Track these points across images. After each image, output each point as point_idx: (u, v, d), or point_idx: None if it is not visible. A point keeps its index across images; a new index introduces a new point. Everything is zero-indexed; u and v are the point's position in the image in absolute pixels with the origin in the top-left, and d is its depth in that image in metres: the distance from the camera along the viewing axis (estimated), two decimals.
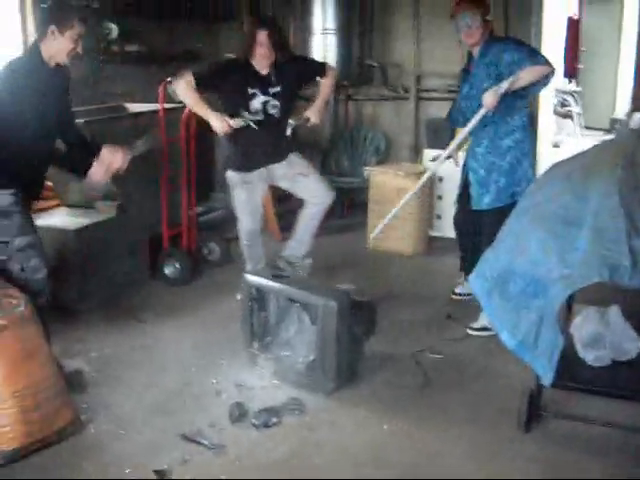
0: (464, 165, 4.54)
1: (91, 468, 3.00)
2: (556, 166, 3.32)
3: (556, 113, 9.53)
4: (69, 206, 5.05)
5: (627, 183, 2.77)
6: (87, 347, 4.15)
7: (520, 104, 4.22)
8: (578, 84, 10.26)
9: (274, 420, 3.33)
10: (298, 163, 4.71)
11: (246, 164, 4.59)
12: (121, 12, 6.14)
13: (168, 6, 6.55)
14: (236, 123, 4.39)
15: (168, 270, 5.19)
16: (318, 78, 4.69)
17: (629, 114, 9.13)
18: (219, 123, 4.37)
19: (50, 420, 3.11)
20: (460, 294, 4.79)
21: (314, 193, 4.68)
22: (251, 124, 4.41)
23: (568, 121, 9.76)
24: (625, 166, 2.84)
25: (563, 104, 9.79)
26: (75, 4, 5.44)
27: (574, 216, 2.72)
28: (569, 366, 3.39)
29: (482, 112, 4.08)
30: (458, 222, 4.66)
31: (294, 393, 3.59)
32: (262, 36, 4.31)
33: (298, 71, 4.60)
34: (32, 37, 5.42)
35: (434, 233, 6.26)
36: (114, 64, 6.26)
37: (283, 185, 4.77)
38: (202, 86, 4.46)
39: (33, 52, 3.56)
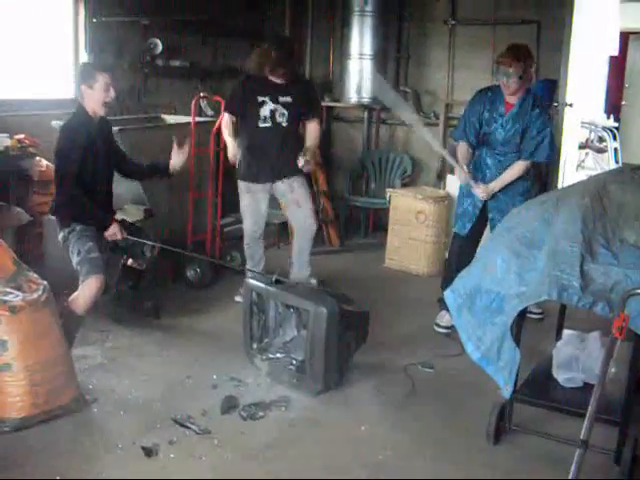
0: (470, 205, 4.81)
1: (88, 441, 3.30)
2: (540, 196, 3.53)
3: (592, 148, 9.64)
4: None
5: (593, 211, 2.97)
6: (104, 337, 4.48)
7: None
8: (619, 120, 10.37)
9: (260, 414, 3.60)
10: (298, 191, 5.03)
11: (253, 175, 4.98)
12: (167, 28, 6.53)
13: (212, 23, 6.93)
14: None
15: (189, 273, 5.50)
16: (307, 119, 5.06)
17: None
18: (230, 153, 4.95)
19: (56, 395, 3.44)
20: None
21: (299, 223, 5.12)
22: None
23: (605, 156, 9.87)
24: (594, 195, 3.04)
25: (601, 139, 9.90)
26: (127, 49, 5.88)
27: (538, 239, 2.94)
28: (542, 384, 3.59)
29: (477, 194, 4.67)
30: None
31: (285, 392, 3.85)
32: (270, 52, 4.76)
33: (304, 95, 5.01)
34: None
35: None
36: (158, 77, 6.66)
37: (281, 201, 5.22)
38: (234, 114, 4.98)
39: (80, 111, 4.22)
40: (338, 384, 3.94)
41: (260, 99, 4.84)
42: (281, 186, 5.01)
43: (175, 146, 4.53)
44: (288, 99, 4.87)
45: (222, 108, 5.16)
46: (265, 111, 4.84)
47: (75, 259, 4.11)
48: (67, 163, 4.10)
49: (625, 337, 2.48)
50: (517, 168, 4.62)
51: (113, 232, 4.25)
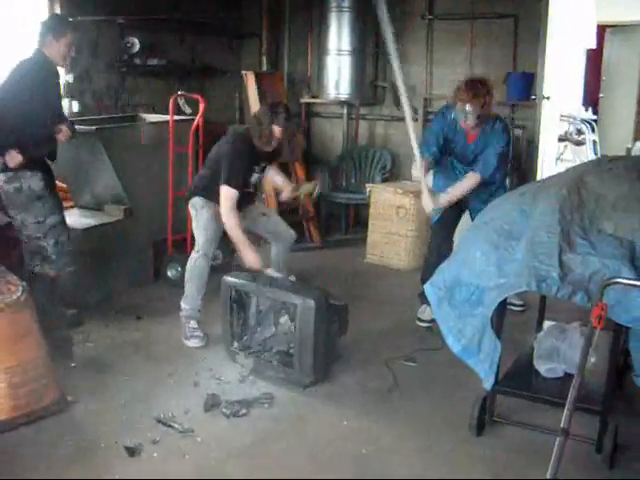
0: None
1: (71, 442, 3.28)
2: (518, 188, 3.56)
3: (570, 140, 9.70)
4: (81, 207, 5.40)
5: (571, 202, 2.99)
6: (86, 337, 4.46)
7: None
8: (597, 113, 10.44)
9: (243, 411, 3.59)
10: (259, 205, 4.87)
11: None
12: (144, 27, 6.50)
13: (189, 22, 6.91)
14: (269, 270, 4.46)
15: (170, 273, 5.48)
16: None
17: (633, 142, 9.32)
18: (254, 260, 4.28)
19: (37, 397, 3.41)
20: None
21: (275, 232, 4.80)
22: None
23: (583, 148, 9.93)
24: (571, 186, 3.07)
25: (579, 131, 9.96)
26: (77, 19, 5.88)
27: (516, 231, 2.95)
28: (523, 376, 3.61)
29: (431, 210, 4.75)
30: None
31: (268, 389, 3.85)
32: (277, 130, 4.36)
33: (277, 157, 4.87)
34: None
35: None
36: (136, 77, 6.62)
37: (244, 224, 4.63)
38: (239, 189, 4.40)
39: (39, 54, 4.21)
40: (325, 376, 3.96)
41: (255, 168, 4.58)
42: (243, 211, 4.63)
43: None
44: (265, 164, 4.68)
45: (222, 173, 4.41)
46: (253, 179, 4.60)
47: (48, 240, 4.27)
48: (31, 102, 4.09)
49: (604, 326, 2.49)
50: (466, 182, 4.63)
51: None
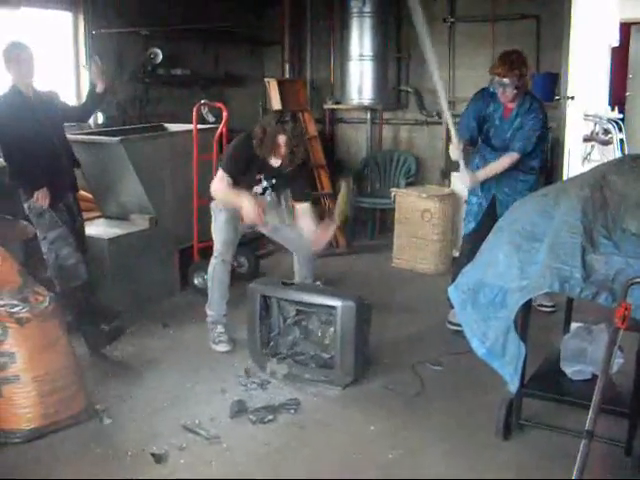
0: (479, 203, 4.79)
1: (98, 449, 3.32)
2: (541, 189, 3.53)
3: (597, 140, 9.58)
4: (107, 217, 5.47)
5: (593, 202, 2.95)
6: (112, 346, 4.50)
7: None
8: (623, 111, 10.30)
9: (270, 417, 3.60)
10: (281, 215, 4.75)
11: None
12: (167, 37, 6.57)
13: (212, 31, 6.97)
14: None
15: (197, 281, 5.51)
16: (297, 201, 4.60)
17: None
18: (251, 210, 4.23)
19: (65, 405, 3.46)
20: None
21: (295, 241, 4.67)
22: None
23: (611, 148, 9.79)
24: (594, 186, 3.03)
25: (606, 131, 9.83)
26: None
27: (539, 232, 2.93)
28: (550, 378, 3.58)
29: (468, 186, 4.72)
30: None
31: (294, 394, 3.86)
32: (281, 140, 4.29)
33: (294, 176, 4.53)
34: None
35: (458, 254, 6.42)
36: (159, 86, 6.69)
37: (264, 230, 4.76)
38: (232, 177, 4.36)
39: (13, 89, 4.36)
40: (364, 374, 4.05)
41: (258, 176, 4.46)
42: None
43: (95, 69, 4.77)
44: (280, 181, 4.53)
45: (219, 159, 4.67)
46: (259, 188, 4.49)
47: (50, 255, 4.45)
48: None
49: (627, 326, 2.46)
50: (503, 160, 4.57)
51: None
